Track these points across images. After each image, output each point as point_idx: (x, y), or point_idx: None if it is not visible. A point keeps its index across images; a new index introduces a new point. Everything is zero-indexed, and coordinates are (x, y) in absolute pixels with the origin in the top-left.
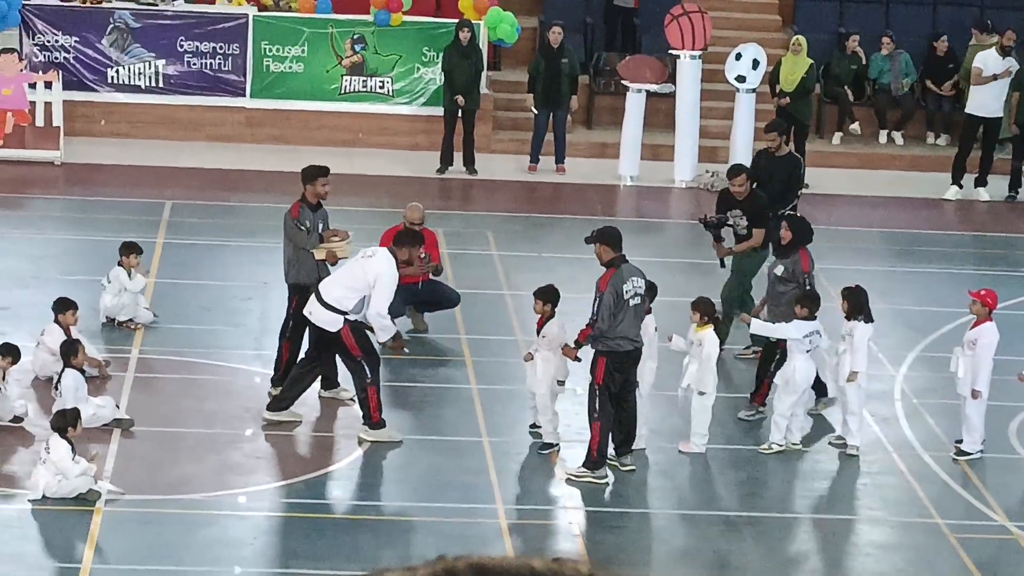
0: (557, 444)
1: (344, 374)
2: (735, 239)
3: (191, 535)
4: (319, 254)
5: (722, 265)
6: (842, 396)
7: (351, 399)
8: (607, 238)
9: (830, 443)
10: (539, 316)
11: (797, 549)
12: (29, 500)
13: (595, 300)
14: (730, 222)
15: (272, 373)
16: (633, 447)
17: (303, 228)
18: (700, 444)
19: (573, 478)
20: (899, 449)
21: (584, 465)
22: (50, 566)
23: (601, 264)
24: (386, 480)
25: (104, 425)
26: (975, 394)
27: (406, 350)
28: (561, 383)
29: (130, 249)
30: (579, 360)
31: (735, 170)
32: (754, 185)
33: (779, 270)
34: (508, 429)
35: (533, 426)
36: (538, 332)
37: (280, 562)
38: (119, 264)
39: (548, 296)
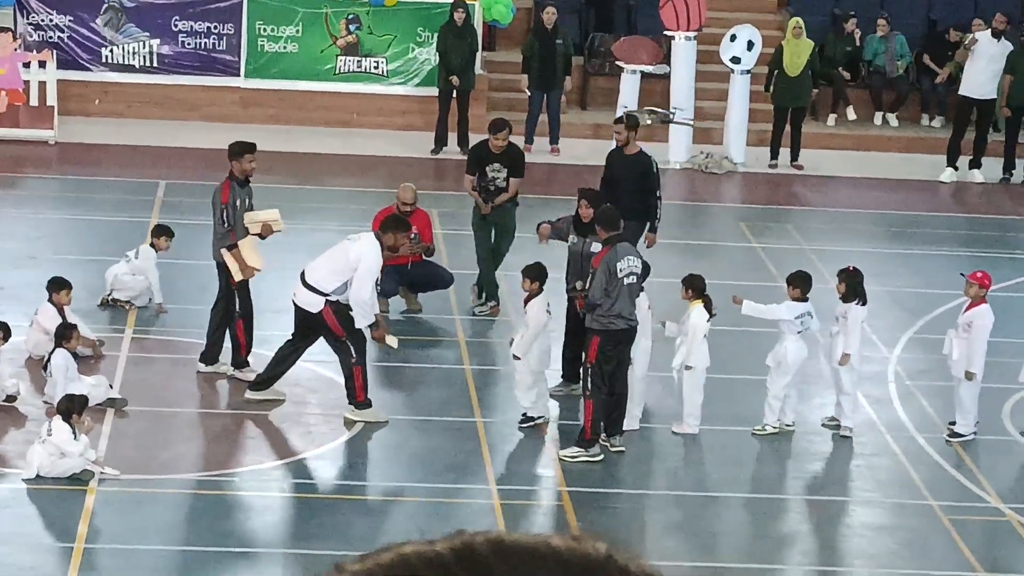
0: (541, 417)
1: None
2: (490, 193)
3: (183, 514)
4: (254, 228)
5: (483, 218)
6: (835, 377)
7: (229, 375)
8: (605, 219)
9: (823, 424)
10: (526, 294)
11: (790, 530)
12: (23, 479)
13: (589, 277)
14: (489, 176)
15: (232, 357)
16: (624, 428)
17: (223, 216)
18: (693, 425)
19: (567, 459)
20: (892, 430)
21: (577, 444)
22: (45, 544)
23: (599, 243)
24: (378, 460)
25: (97, 405)
26: (969, 376)
27: (392, 345)
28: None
29: (162, 231)
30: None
31: (498, 125)
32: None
33: (595, 247)
34: (501, 409)
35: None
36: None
37: (272, 542)
38: (151, 245)
39: (535, 273)
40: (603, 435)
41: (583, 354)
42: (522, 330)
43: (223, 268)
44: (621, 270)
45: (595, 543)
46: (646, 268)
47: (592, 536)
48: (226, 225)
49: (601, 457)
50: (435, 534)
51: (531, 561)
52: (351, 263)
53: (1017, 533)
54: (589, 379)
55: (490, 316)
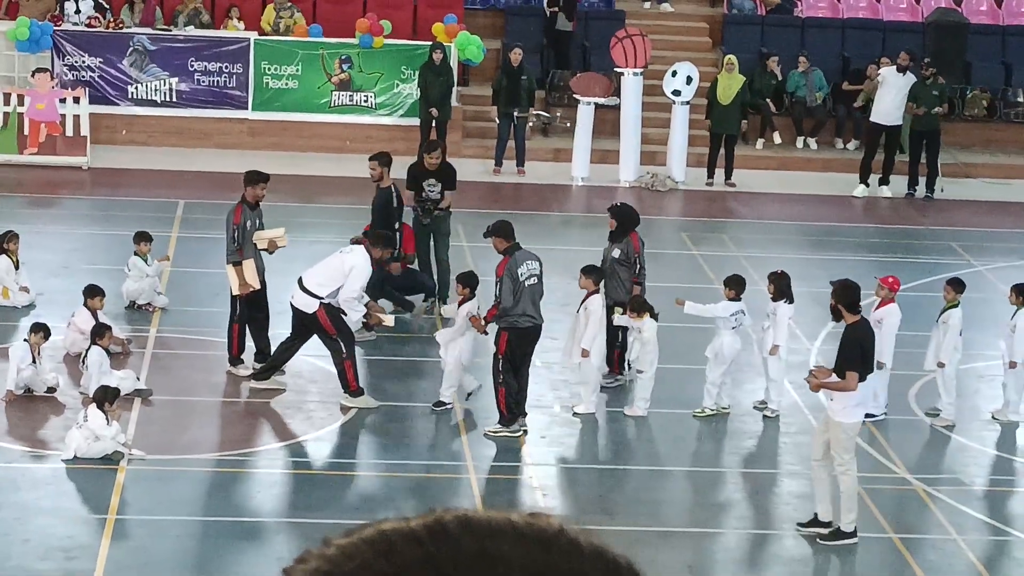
0: (451, 403)
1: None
2: (426, 205)
3: (202, 489)
4: (261, 244)
5: (428, 214)
6: (765, 366)
7: (227, 371)
8: (501, 231)
9: (754, 407)
10: (460, 297)
11: (727, 498)
12: (62, 460)
13: (496, 284)
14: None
15: (227, 355)
16: (581, 411)
17: (234, 236)
18: (643, 408)
19: (491, 434)
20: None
21: (499, 423)
22: (81, 516)
23: (498, 253)
24: (370, 441)
25: (126, 395)
26: (880, 365)
27: (389, 324)
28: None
29: (142, 237)
30: (486, 333)
31: (432, 146)
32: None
33: (616, 253)
34: (477, 396)
35: (468, 395)
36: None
37: (280, 512)
38: (135, 253)
39: (467, 281)
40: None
41: (496, 346)
42: (450, 324)
43: None
44: (522, 274)
45: (549, 519)
46: (599, 271)
47: (547, 514)
48: (235, 244)
49: (519, 432)
50: (420, 507)
51: (493, 535)
52: (344, 271)
53: (922, 500)
54: (499, 370)
55: (432, 313)
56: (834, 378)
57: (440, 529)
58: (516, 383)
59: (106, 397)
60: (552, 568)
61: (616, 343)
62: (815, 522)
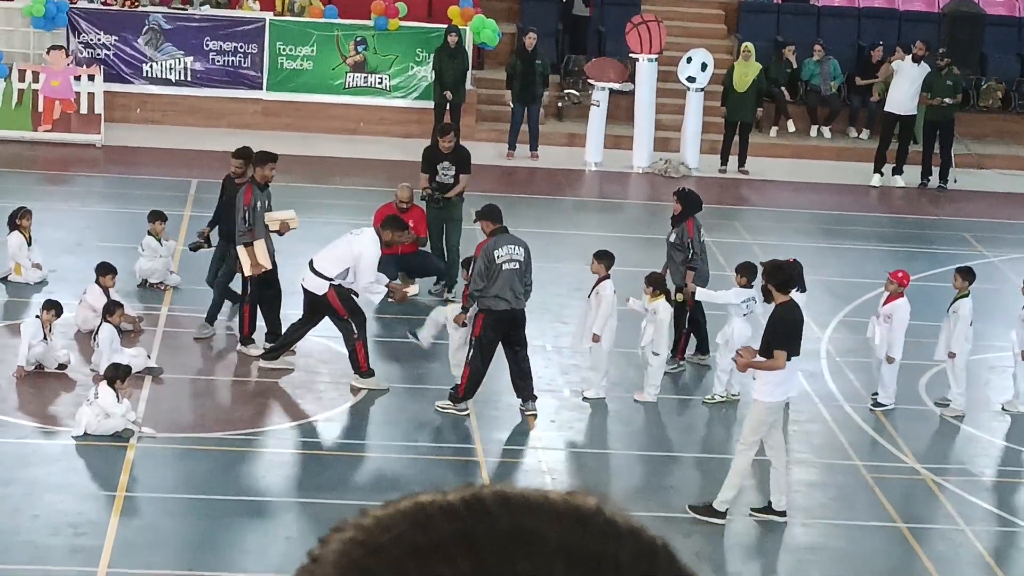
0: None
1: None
2: (441, 188)
3: (210, 468)
4: (273, 225)
5: (436, 203)
6: None
7: (237, 350)
8: (490, 215)
9: None
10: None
11: None
12: (72, 436)
13: (471, 265)
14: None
15: (238, 334)
16: (590, 396)
17: (244, 217)
18: (653, 394)
19: (439, 409)
20: (824, 400)
21: (449, 398)
22: (91, 493)
23: (485, 235)
24: (380, 423)
25: (137, 373)
26: (890, 360)
27: (414, 293)
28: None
29: (156, 217)
30: (466, 325)
31: (445, 128)
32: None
33: (672, 237)
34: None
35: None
36: None
37: (289, 492)
38: (148, 233)
39: (470, 266)
40: (520, 401)
41: (472, 327)
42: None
43: None
44: (500, 256)
45: (586, 497)
46: (610, 256)
47: (584, 491)
48: (247, 224)
49: (467, 412)
50: (429, 489)
51: (531, 512)
52: (353, 254)
53: (930, 490)
54: (471, 350)
55: (441, 297)
56: (760, 358)
57: (477, 504)
58: (483, 368)
59: (117, 375)
60: (588, 547)
61: (683, 328)
62: (768, 509)
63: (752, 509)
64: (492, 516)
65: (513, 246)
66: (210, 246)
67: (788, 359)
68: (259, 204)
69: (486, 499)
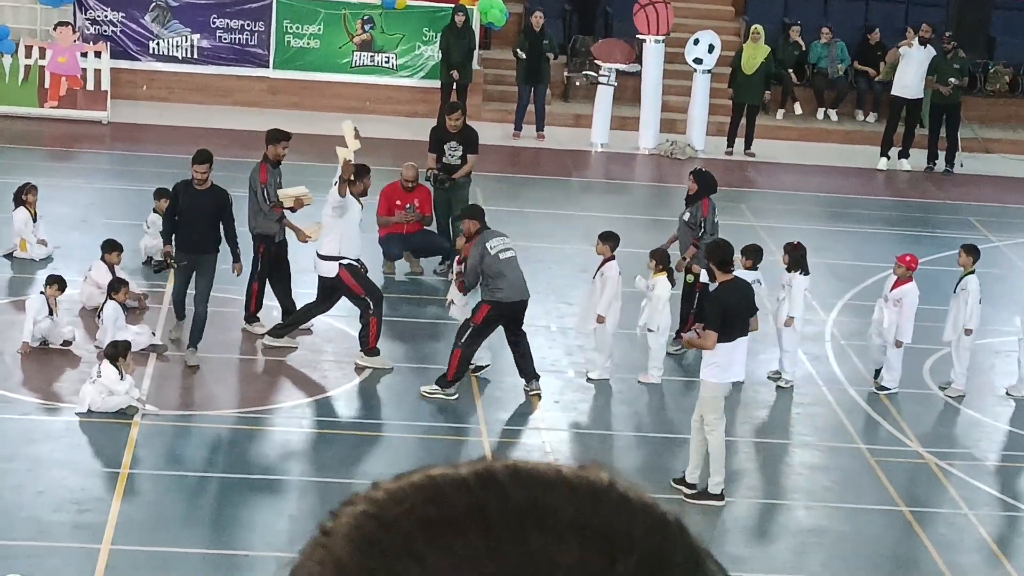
0: (486, 364)
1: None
2: (448, 169)
3: (214, 446)
4: (287, 202)
5: (441, 184)
6: (779, 337)
7: (243, 328)
8: (476, 214)
9: (768, 377)
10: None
11: (739, 467)
12: (76, 413)
13: (463, 265)
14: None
15: (244, 312)
16: (595, 377)
17: (265, 195)
18: (656, 375)
19: (426, 394)
20: (828, 383)
21: (437, 383)
22: (94, 470)
23: (468, 235)
24: (385, 402)
25: (142, 350)
26: (899, 344)
27: (357, 144)
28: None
29: (162, 194)
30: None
31: (452, 107)
32: (175, 217)
33: (686, 216)
34: (491, 360)
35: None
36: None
37: (292, 470)
38: (154, 210)
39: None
40: (524, 382)
41: (471, 314)
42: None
43: (259, 237)
44: (495, 247)
45: (599, 472)
46: (615, 237)
47: (597, 466)
48: (268, 202)
49: (455, 396)
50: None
51: (543, 486)
52: (328, 210)
53: (934, 473)
54: (466, 335)
55: (446, 276)
56: (694, 336)
57: (490, 478)
58: (473, 353)
59: (117, 352)
60: (601, 522)
61: (691, 308)
62: (683, 481)
63: (674, 480)
64: (504, 490)
65: (503, 237)
66: (177, 265)
67: (730, 340)
68: (272, 182)
69: (498, 473)
